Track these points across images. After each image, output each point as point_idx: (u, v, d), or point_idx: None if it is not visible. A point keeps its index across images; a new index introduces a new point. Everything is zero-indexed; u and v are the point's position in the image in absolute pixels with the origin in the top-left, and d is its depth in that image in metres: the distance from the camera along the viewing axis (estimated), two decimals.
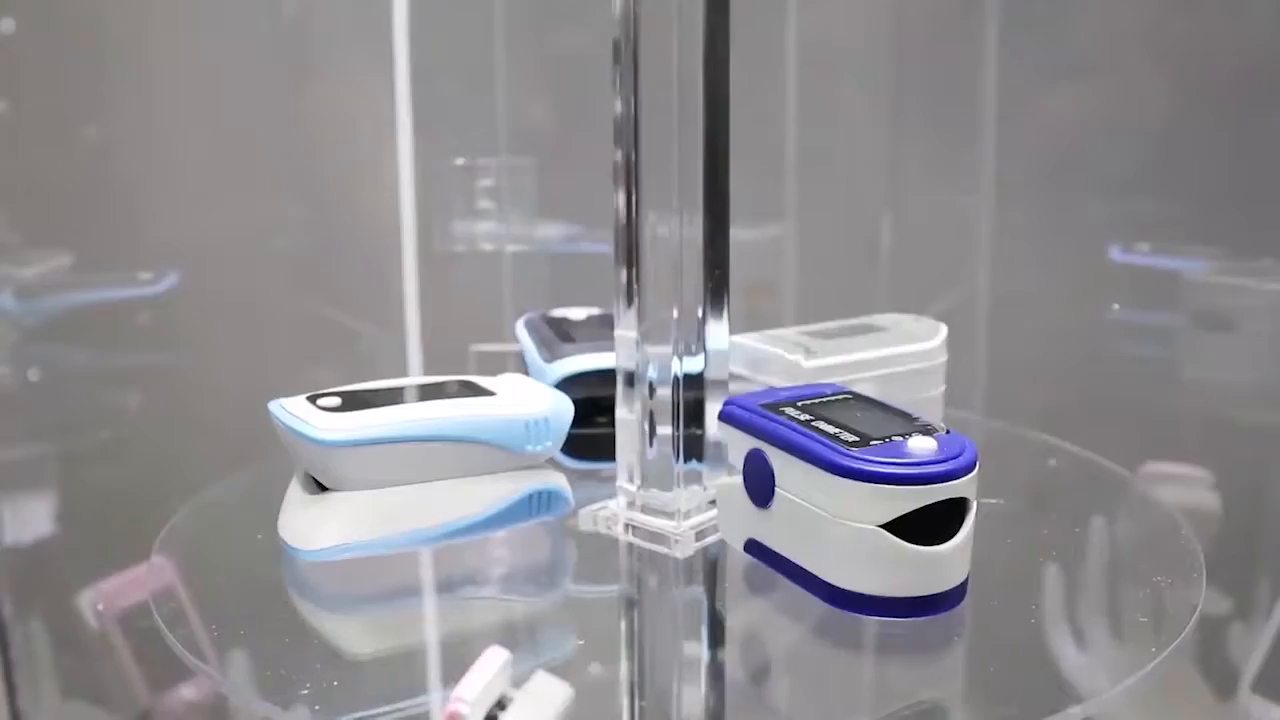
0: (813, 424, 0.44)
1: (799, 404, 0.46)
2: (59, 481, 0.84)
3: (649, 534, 0.50)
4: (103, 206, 0.83)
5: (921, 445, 0.41)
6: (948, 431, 0.43)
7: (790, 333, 0.63)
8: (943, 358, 0.63)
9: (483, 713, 0.36)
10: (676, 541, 0.49)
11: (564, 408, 0.57)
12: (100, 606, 0.48)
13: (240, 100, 0.84)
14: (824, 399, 0.47)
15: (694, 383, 0.50)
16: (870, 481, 0.40)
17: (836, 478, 0.41)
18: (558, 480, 0.58)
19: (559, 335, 0.64)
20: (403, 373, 0.86)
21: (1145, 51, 0.83)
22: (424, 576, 0.52)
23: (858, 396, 0.48)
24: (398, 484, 0.53)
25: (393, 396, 0.55)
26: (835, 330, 0.63)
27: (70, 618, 0.84)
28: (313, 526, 0.52)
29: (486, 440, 0.54)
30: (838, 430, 0.43)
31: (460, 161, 0.88)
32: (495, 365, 0.71)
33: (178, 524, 0.53)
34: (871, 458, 0.41)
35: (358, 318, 0.88)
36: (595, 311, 0.69)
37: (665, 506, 0.50)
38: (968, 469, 0.41)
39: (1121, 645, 0.45)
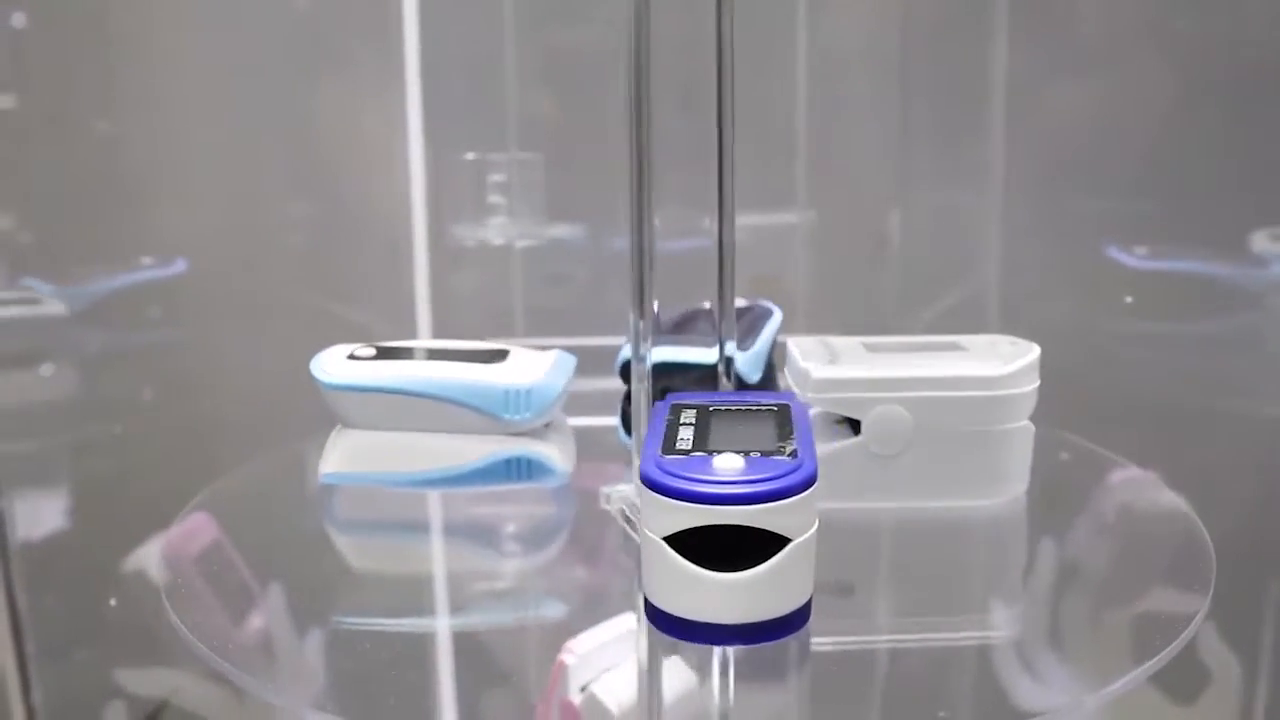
0: (678, 426, 0.43)
1: (711, 407, 0.46)
2: (70, 476, 0.85)
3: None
4: (112, 201, 0.83)
5: (727, 464, 0.39)
6: (793, 456, 0.40)
7: (848, 341, 0.61)
8: (1020, 388, 0.55)
9: (592, 673, 0.36)
10: None
11: (551, 384, 0.58)
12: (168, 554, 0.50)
13: (250, 95, 0.84)
14: (746, 406, 0.46)
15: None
16: (656, 492, 0.38)
17: (641, 484, 0.39)
18: (544, 451, 0.59)
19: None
20: None
21: (1153, 48, 0.82)
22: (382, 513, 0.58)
23: (784, 408, 0.46)
24: (392, 429, 0.60)
25: (413, 354, 0.61)
26: (901, 345, 0.59)
27: (84, 612, 0.84)
28: (325, 454, 0.61)
29: (464, 403, 0.58)
30: (689, 437, 0.42)
31: (470, 156, 0.88)
32: None
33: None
34: (668, 468, 0.39)
35: (368, 312, 0.88)
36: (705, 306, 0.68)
37: None
38: (766, 497, 0.38)
39: (1099, 655, 0.45)
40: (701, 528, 0.38)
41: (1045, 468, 0.62)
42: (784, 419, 0.44)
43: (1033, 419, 0.64)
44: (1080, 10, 0.83)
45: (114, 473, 0.85)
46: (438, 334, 0.87)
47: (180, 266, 0.85)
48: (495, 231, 0.88)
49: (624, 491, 0.51)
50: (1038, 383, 0.57)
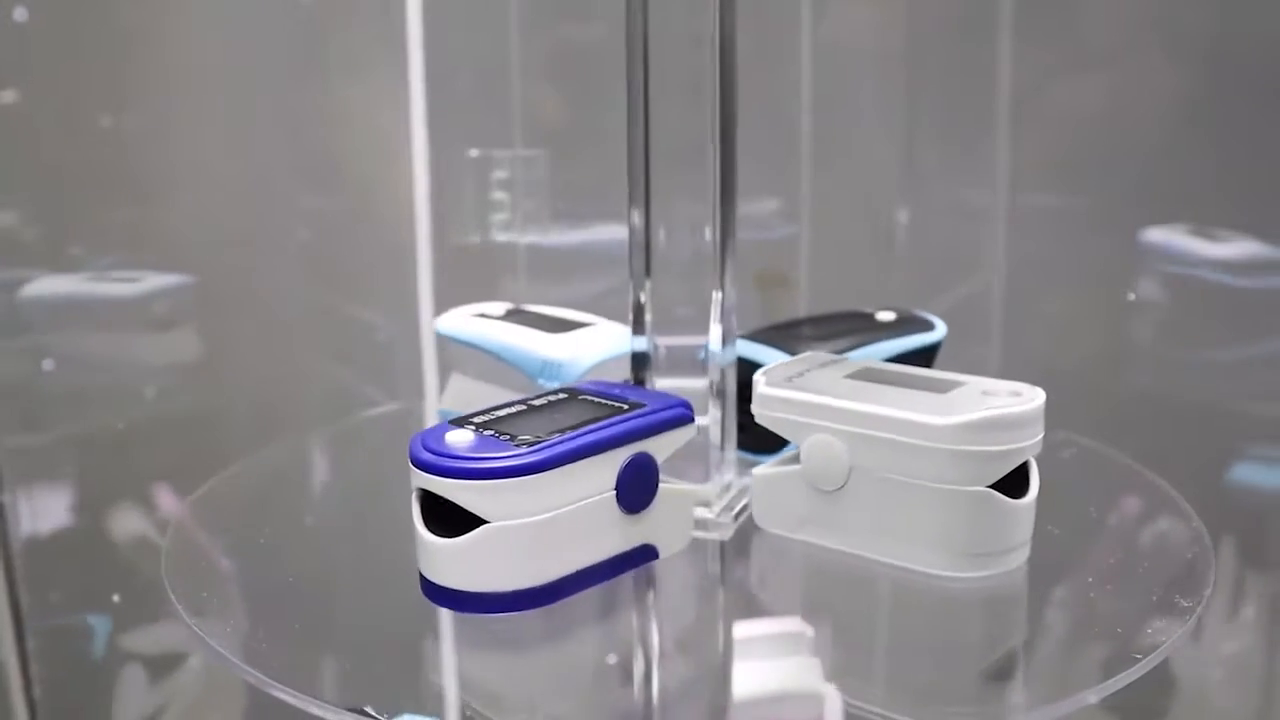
0: (526, 406, 0.47)
1: (578, 395, 0.48)
2: (74, 473, 0.85)
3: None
4: (116, 197, 0.83)
5: (457, 438, 0.42)
6: (527, 445, 0.41)
7: (837, 361, 0.61)
8: (965, 445, 0.45)
9: None
10: (716, 525, 0.51)
11: (581, 358, 0.60)
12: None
13: (253, 91, 0.84)
14: (593, 398, 0.48)
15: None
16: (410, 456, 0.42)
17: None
18: None
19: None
20: (417, 365, 0.87)
21: (1160, 44, 0.82)
22: None
23: (631, 406, 0.47)
24: (490, 383, 0.64)
25: (519, 316, 0.66)
26: (891, 375, 0.53)
27: (87, 609, 0.84)
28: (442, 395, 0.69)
29: (517, 366, 0.62)
30: (506, 415, 0.45)
31: (474, 153, 0.88)
32: None
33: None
34: (423, 437, 0.43)
35: (373, 309, 0.88)
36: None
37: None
38: (459, 473, 0.40)
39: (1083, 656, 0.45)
40: (433, 494, 0.41)
41: (1046, 466, 0.62)
42: (608, 415, 0.45)
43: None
44: (1087, 6, 0.83)
45: (116, 469, 0.85)
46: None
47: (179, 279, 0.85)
48: (499, 228, 0.88)
49: None
50: (1011, 445, 0.46)
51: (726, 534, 0.51)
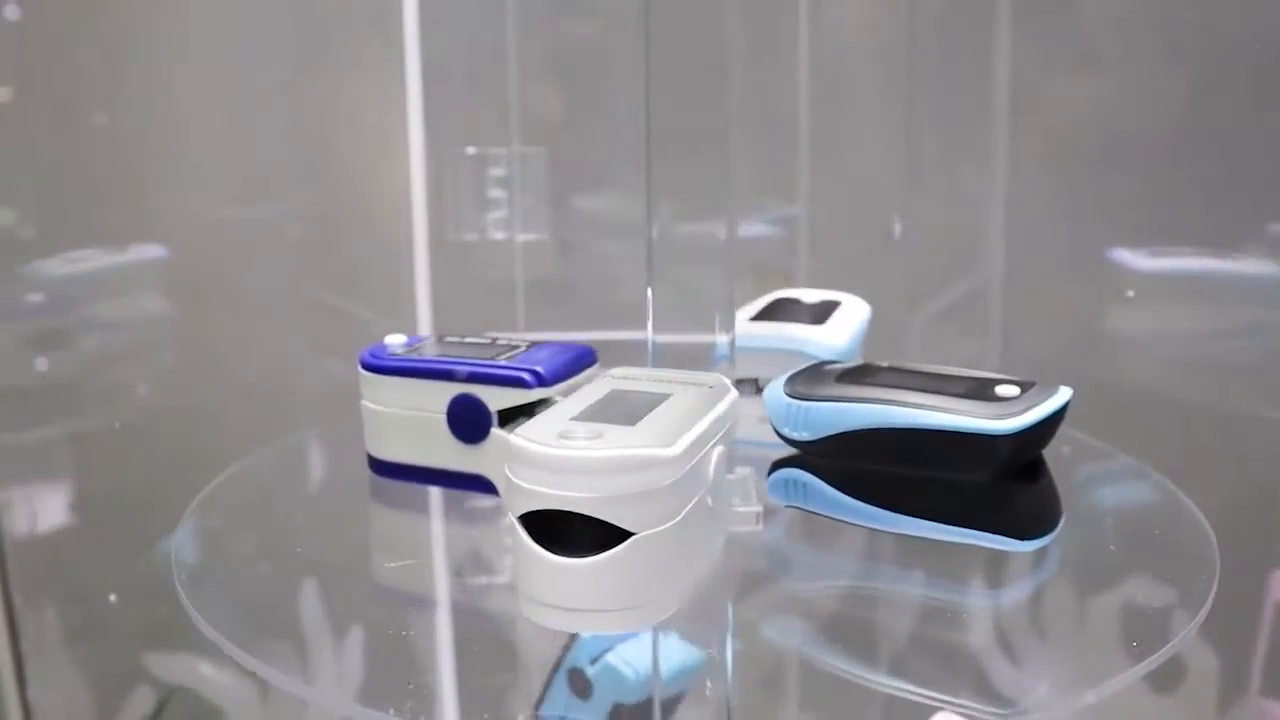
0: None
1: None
2: (69, 471, 0.84)
3: None
4: (111, 194, 0.83)
5: None
6: None
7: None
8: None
9: None
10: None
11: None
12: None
13: (251, 88, 0.84)
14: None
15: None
16: None
17: None
18: None
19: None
20: None
21: (1159, 39, 0.82)
22: None
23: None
24: None
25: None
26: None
27: (82, 609, 0.84)
28: None
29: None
30: None
31: (472, 150, 0.87)
32: None
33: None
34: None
35: (369, 307, 0.88)
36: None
37: None
38: None
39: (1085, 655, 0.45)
40: None
41: (1049, 461, 0.62)
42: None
43: None
44: (1085, 1, 0.83)
45: (113, 467, 0.84)
46: (437, 329, 0.87)
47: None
48: (497, 226, 0.88)
49: None
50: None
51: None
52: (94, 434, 0.83)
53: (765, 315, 0.65)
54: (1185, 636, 0.42)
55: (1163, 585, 0.48)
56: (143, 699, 0.84)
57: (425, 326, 0.86)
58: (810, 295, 0.68)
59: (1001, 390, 0.49)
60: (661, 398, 0.45)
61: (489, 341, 0.57)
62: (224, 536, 0.55)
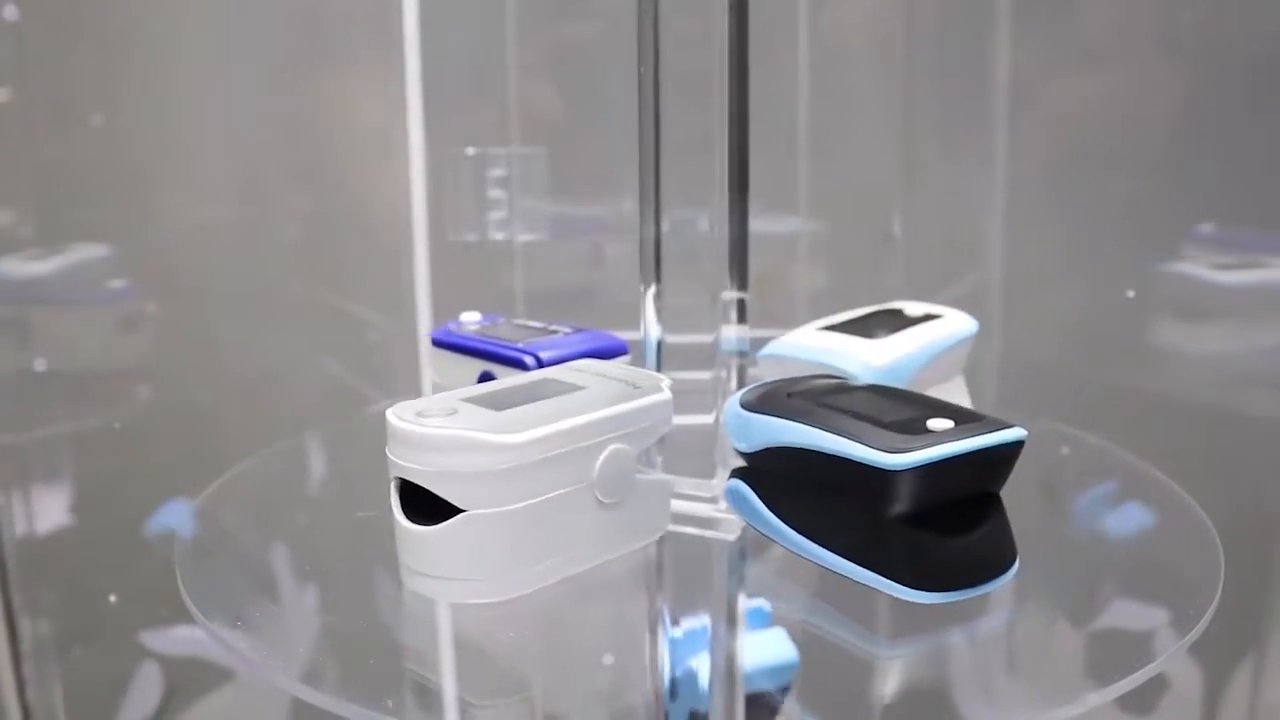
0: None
1: None
2: (68, 472, 0.84)
3: (693, 519, 0.51)
4: (110, 195, 0.83)
5: None
6: None
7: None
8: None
9: None
10: (720, 523, 0.51)
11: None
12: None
13: (250, 89, 0.84)
14: None
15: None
16: None
17: None
18: None
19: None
20: (414, 363, 0.87)
21: (1159, 38, 0.82)
22: None
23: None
24: None
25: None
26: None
27: (81, 610, 0.84)
28: None
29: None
30: None
31: (471, 151, 0.87)
32: None
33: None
34: None
35: (369, 307, 0.88)
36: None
37: (704, 491, 0.52)
38: None
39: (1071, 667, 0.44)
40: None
41: (1046, 463, 0.63)
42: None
43: (1034, 412, 0.64)
44: (1084, 2, 0.83)
45: (113, 467, 0.84)
46: (435, 327, 0.87)
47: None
48: (496, 226, 0.88)
49: None
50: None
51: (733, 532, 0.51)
52: (94, 434, 0.83)
53: (838, 326, 0.62)
54: (1183, 646, 0.42)
55: (1165, 587, 0.48)
56: (143, 700, 0.84)
57: (425, 327, 0.86)
58: (914, 308, 0.65)
59: (934, 423, 0.44)
60: (569, 388, 0.47)
61: (543, 326, 0.60)
62: (225, 537, 0.55)
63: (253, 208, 0.86)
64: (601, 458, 0.44)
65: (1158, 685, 0.78)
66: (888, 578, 0.43)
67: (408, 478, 0.42)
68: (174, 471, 0.80)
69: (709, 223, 0.51)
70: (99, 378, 0.85)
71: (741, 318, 0.54)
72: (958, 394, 0.64)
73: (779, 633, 0.46)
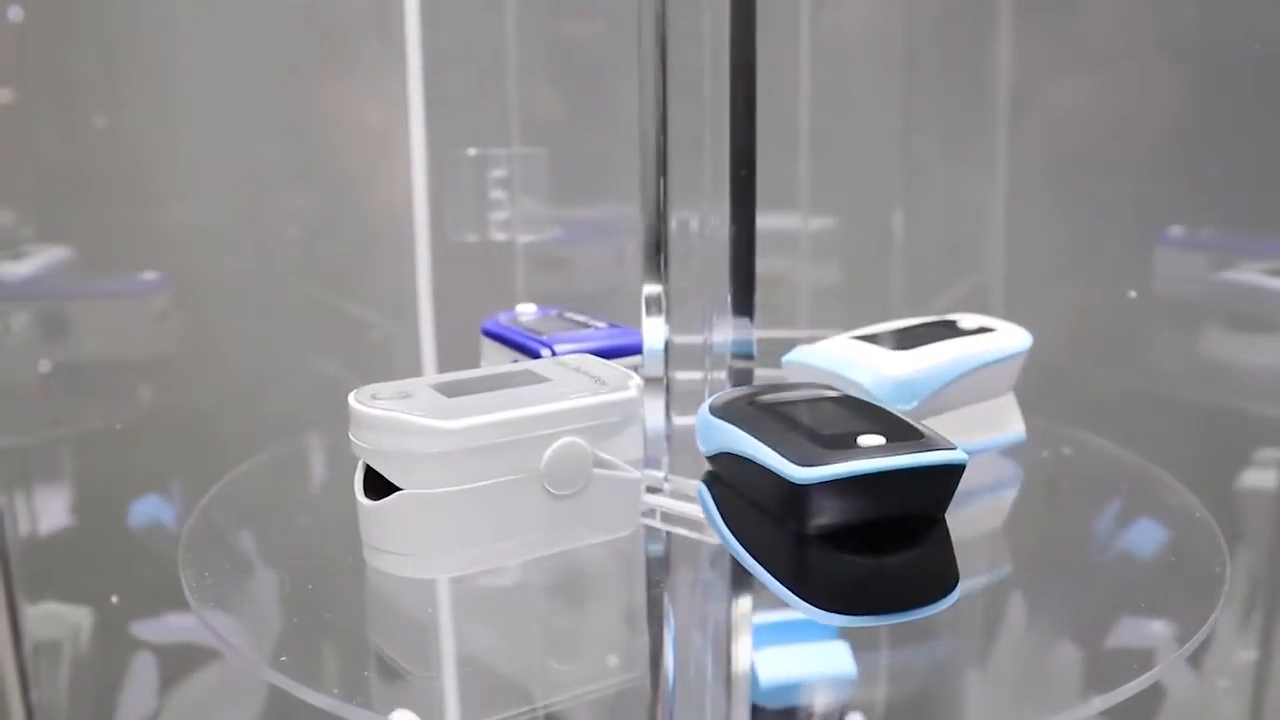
0: None
1: None
2: (70, 473, 0.84)
3: (683, 520, 0.51)
4: (112, 195, 0.83)
5: None
6: None
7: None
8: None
9: None
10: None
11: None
12: None
13: (251, 88, 0.84)
14: None
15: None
16: None
17: None
18: None
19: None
20: (416, 364, 0.87)
21: (1160, 39, 0.82)
22: None
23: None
24: None
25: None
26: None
27: (83, 610, 0.84)
28: None
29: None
30: None
31: (472, 152, 0.87)
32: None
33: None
34: None
35: (370, 308, 0.88)
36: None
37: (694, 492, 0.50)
38: None
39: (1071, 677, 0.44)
40: None
41: (1046, 464, 0.62)
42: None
43: (1034, 412, 0.64)
44: (1086, 2, 0.83)
45: (113, 467, 0.84)
46: (438, 330, 0.87)
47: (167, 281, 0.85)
48: (497, 227, 0.88)
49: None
50: None
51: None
52: (94, 435, 0.83)
53: (873, 335, 0.61)
54: (1187, 650, 0.41)
55: (1168, 590, 0.48)
56: (142, 701, 0.84)
57: (426, 327, 0.86)
58: (969, 320, 0.64)
59: (866, 439, 0.42)
60: (535, 380, 0.49)
61: (583, 321, 0.63)
62: (226, 538, 0.55)
63: (253, 207, 0.86)
64: (550, 450, 0.45)
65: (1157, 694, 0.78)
66: (798, 595, 0.41)
67: (358, 455, 0.46)
68: (174, 472, 0.80)
69: (698, 223, 0.50)
70: (99, 377, 0.85)
71: (660, 310, 0.52)
72: (1006, 413, 0.62)
73: (840, 646, 0.44)
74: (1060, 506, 0.58)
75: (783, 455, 0.41)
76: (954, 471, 0.42)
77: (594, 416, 0.47)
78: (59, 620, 0.82)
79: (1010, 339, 0.62)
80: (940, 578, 0.42)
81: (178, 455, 0.82)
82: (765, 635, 0.44)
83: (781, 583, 0.42)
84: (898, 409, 0.55)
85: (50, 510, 0.83)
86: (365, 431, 0.45)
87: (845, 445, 0.41)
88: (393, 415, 0.45)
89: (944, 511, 0.42)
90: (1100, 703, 0.39)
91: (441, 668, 0.46)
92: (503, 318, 0.64)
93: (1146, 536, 0.54)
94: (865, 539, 0.41)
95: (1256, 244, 0.80)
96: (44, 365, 0.82)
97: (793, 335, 0.86)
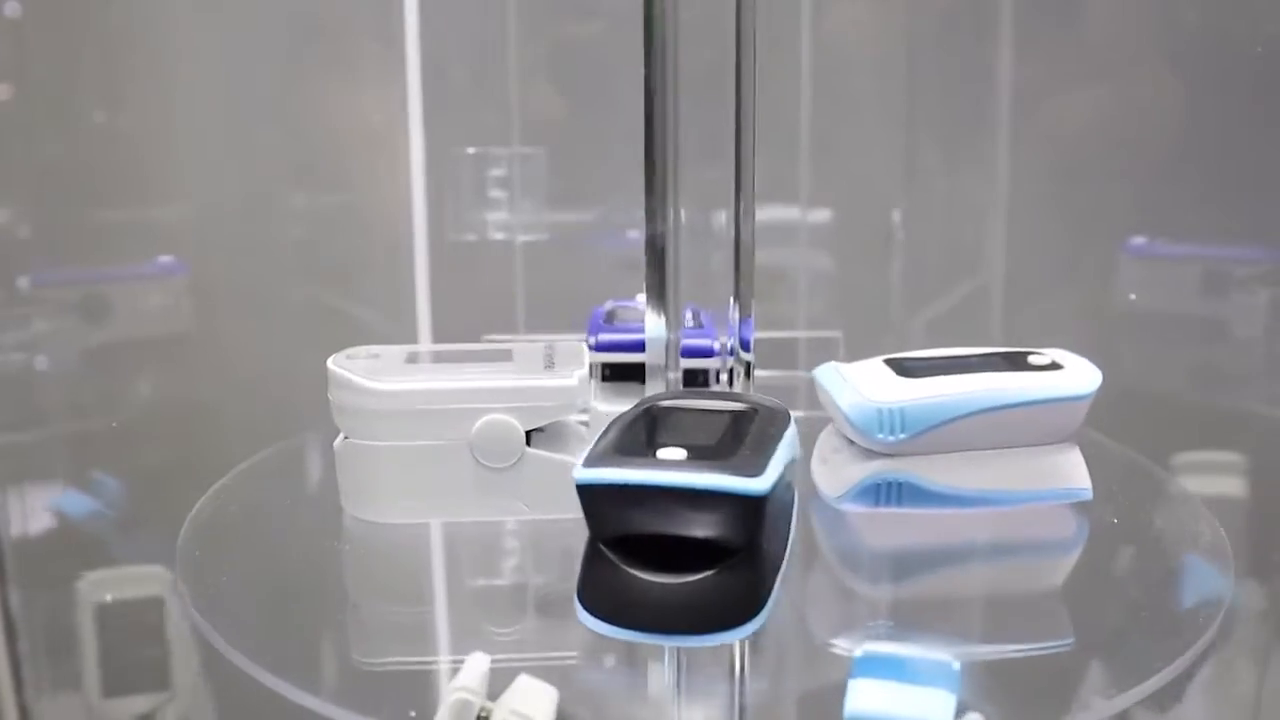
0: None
1: None
2: (68, 470, 0.84)
3: None
4: (111, 193, 0.83)
5: None
6: None
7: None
8: None
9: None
10: None
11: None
12: None
13: (251, 87, 0.84)
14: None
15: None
16: None
17: None
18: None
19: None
20: None
21: (1161, 44, 0.82)
22: None
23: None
24: None
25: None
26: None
27: (80, 610, 0.83)
28: None
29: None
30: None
31: (472, 150, 0.87)
32: None
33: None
34: None
35: (368, 307, 0.88)
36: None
37: None
38: None
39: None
40: None
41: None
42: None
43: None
44: (1087, 6, 0.83)
45: (112, 468, 0.84)
46: (436, 329, 0.87)
47: (173, 266, 0.85)
48: (497, 226, 0.88)
49: None
50: None
51: None
52: (94, 434, 0.83)
53: (911, 358, 0.59)
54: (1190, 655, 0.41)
55: (1170, 594, 0.48)
56: (139, 702, 0.83)
57: (425, 327, 0.86)
58: (1043, 356, 0.59)
59: (665, 453, 0.40)
60: (497, 357, 0.53)
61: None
62: (227, 539, 0.55)
63: (253, 206, 0.86)
64: (479, 423, 0.49)
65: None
66: (578, 597, 0.41)
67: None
68: (174, 471, 0.80)
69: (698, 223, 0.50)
70: (99, 377, 0.85)
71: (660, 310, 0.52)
72: (1062, 462, 0.57)
73: (946, 697, 0.37)
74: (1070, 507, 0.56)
75: (583, 455, 0.41)
76: (744, 502, 0.38)
77: (525, 399, 0.50)
78: (157, 579, 0.83)
79: (1064, 380, 0.56)
80: (729, 610, 0.39)
81: (176, 454, 0.82)
82: (868, 666, 0.39)
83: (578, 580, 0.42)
84: (879, 440, 0.56)
85: (45, 509, 0.83)
86: (330, 386, 0.51)
87: (638, 454, 0.40)
88: (342, 373, 0.50)
89: (746, 542, 0.39)
90: (1105, 707, 0.39)
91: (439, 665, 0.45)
92: (609, 306, 0.68)
93: (1151, 536, 0.54)
94: (655, 556, 0.39)
95: (1254, 250, 0.81)
96: (41, 362, 0.82)
97: (792, 335, 0.87)
